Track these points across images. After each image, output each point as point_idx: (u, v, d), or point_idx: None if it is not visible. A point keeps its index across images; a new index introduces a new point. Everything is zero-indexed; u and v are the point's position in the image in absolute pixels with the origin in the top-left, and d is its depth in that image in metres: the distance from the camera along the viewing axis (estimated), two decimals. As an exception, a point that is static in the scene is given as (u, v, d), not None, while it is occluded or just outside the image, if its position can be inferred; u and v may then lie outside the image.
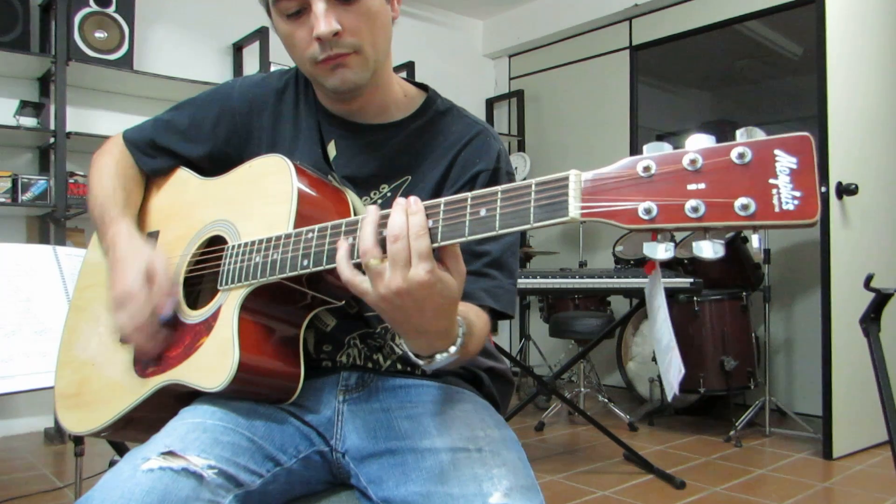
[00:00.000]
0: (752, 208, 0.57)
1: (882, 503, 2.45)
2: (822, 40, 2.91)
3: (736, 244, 3.52)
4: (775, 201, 0.57)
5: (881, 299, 1.79)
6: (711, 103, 4.59)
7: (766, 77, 4.21)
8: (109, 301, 0.98)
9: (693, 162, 0.60)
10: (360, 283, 0.77)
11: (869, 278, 1.77)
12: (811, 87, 3.00)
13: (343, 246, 0.78)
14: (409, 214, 0.74)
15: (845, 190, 2.92)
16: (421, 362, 0.83)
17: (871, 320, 1.81)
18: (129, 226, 1.06)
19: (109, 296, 0.99)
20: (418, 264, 0.72)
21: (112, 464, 1.70)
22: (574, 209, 0.65)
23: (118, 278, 0.98)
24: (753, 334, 3.54)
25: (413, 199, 0.75)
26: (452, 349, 0.81)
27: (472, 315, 0.91)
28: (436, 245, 0.73)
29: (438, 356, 0.81)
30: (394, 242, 0.73)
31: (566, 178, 0.66)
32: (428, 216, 0.74)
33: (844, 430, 2.96)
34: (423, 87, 1.13)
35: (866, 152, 3.11)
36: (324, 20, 0.92)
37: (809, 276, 3.66)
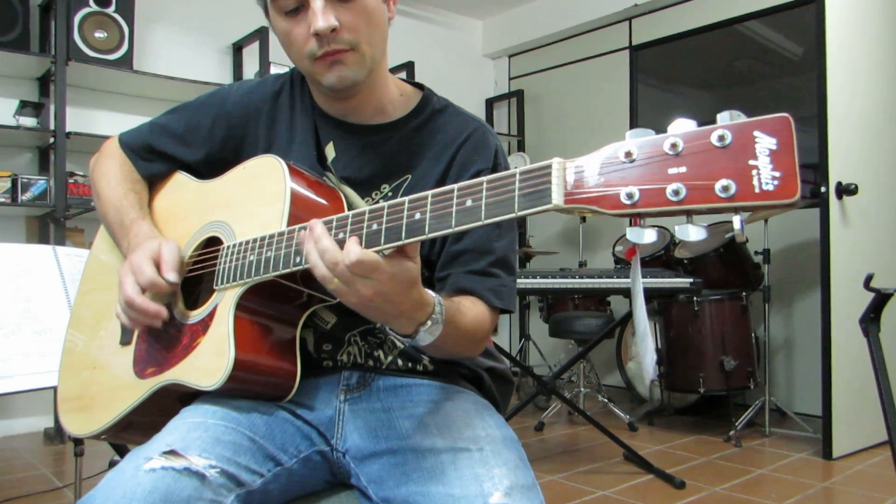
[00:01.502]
0: (733, 190, 0.58)
1: (882, 503, 2.45)
2: (822, 40, 2.90)
3: (736, 244, 3.52)
4: (755, 182, 0.57)
5: (881, 299, 1.79)
6: (711, 103, 4.58)
7: (766, 77, 4.20)
8: (119, 280, 0.97)
9: (674, 146, 0.61)
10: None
11: (869, 278, 1.77)
12: (811, 87, 3.00)
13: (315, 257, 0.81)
14: (316, 242, 0.79)
15: (845, 190, 2.92)
16: (408, 341, 0.86)
17: (870, 320, 1.81)
18: (150, 225, 1.08)
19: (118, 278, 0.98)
20: (365, 277, 0.77)
21: (112, 464, 1.70)
22: (557, 197, 0.65)
23: (130, 256, 0.99)
24: (753, 334, 3.54)
25: (311, 223, 0.81)
26: (430, 322, 0.84)
27: (458, 297, 0.96)
28: (399, 244, 0.77)
29: (422, 329, 0.84)
30: (334, 269, 0.78)
31: (549, 167, 0.67)
32: (416, 209, 0.75)
33: (844, 430, 2.96)
34: (418, 86, 1.13)
35: (866, 152, 3.11)
36: (322, 16, 0.93)
37: (809, 276, 3.66)
